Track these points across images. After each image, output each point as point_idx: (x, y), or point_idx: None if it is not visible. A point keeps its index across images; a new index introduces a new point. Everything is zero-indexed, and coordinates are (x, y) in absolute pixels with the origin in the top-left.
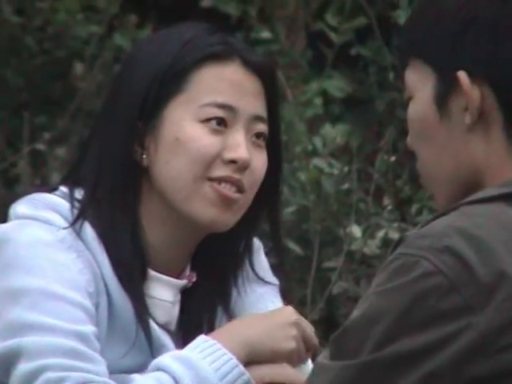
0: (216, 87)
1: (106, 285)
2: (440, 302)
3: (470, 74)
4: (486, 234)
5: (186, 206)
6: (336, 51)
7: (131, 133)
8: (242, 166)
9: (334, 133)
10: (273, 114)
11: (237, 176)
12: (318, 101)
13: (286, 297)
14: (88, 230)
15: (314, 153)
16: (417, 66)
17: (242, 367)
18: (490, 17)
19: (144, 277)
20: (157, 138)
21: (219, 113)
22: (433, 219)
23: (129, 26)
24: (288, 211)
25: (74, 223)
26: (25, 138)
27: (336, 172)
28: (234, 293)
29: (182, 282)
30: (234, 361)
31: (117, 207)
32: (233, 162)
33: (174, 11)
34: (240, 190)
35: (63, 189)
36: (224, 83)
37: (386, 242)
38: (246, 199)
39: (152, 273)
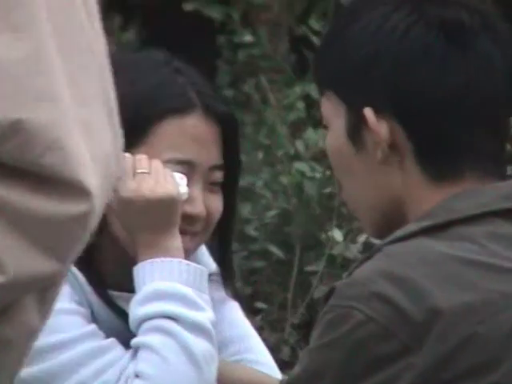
0: (177, 142)
1: (85, 297)
2: (378, 349)
3: (377, 109)
4: (411, 272)
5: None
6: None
7: None
8: (197, 219)
9: (317, 137)
10: (229, 155)
11: (192, 228)
12: (301, 104)
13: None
14: None
15: (297, 157)
16: (329, 97)
17: (184, 261)
18: (390, 52)
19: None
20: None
21: (179, 169)
22: (358, 265)
23: (113, 28)
24: (270, 215)
25: None
26: None
27: (318, 176)
28: None
29: (132, 295)
30: (174, 260)
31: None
32: (189, 216)
33: (158, 13)
34: (195, 234)
35: None
36: (184, 138)
37: (368, 246)
38: (201, 240)
39: (113, 293)
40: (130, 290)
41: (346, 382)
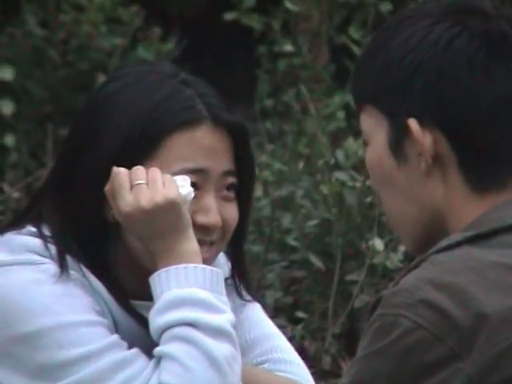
0: (187, 153)
1: (107, 306)
2: (426, 355)
3: (421, 120)
4: (457, 279)
5: (154, 267)
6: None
7: (100, 195)
8: (213, 229)
9: (357, 146)
10: (241, 163)
11: (208, 238)
12: (341, 114)
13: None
14: (71, 261)
15: (337, 166)
16: (370, 112)
17: (202, 265)
18: (433, 62)
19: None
20: None
21: (191, 178)
22: (405, 274)
23: (152, 38)
24: (310, 224)
25: (59, 258)
26: (48, 150)
27: (358, 185)
28: None
29: (152, 304)
30: (189, 266)
31: (86, 245)
32: (204, 226)
33: (197, 24)
34: (212, 243)
35: (30, 227)
36: (194, 148)
37: (409, 256)
38: (219, 248)
39: (133, 302)
40: (149, 298)
41: None
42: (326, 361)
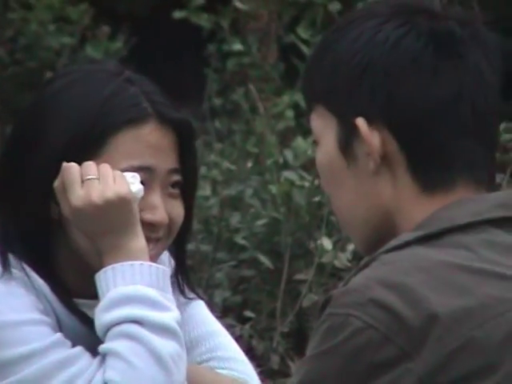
0: (133, 151)
1: (50, 305)
2: (376, 355)
3: (369, 119)
4: (407, 279)
5: (100, 265)
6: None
7: (47, 193)
8: (159, 227)
9: (306, 145)
10: (186, 161)
11: (154, 235)
12: (290, 113)
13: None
14: (14, 261)
15: (285, 165)
16: (320, 112)
17: (146, 262)
18: (381, 62)
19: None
20: None
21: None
22: (354, 274)
23: (101, 37)
24: (259, 223)
25: (1, 257)
26: None
27: (307, 185)
28: None
29: (96, 302)
30: (135, 263)
31: (29, 245)
32: (151, 223)
33: (146, 23)
34: (158, 240)
35: None
36: (140, 146)
37: (357, 255)
38: (164, 246)
39: (77, 301)
40: (94, 297)
41: None
42: (275, 360)
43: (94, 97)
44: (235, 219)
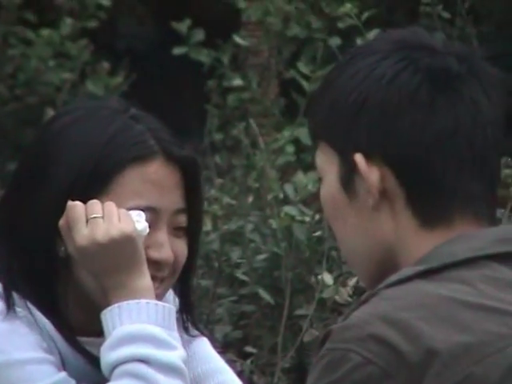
0: (139, 190)
1: (54, 343)
2: None
3: (368, 155)
4: (407, 314)
5: (106, 303)
6: (308, 99)
7: (53, 231)
8: (165, 265)
9: (306, 180)
10: (191, 199)
11: (160, 274)
12: (290, 148)
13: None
14: (18, 299)
15: (286, 200)
16: (323, 148)
17: (152, 301)
18: (377, 98)
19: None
20: None
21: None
22: (355, 308)
23: (101, 72)
24: (259, 258)
25: (5, 296)
26: None
27: (307, 219)
28: None
29: (102, 340)
30: (141, 301)
31: (34, 283)
32: (156, 262)
33: (146, 58)
34: (163, 279)
35: None
36: (147, 185)
37: (358, 290)
38: (169, 284)
39: (81, 339)
40: (98, 334)
41: None
42: None
43: (98, 134)
44: (236, 254)
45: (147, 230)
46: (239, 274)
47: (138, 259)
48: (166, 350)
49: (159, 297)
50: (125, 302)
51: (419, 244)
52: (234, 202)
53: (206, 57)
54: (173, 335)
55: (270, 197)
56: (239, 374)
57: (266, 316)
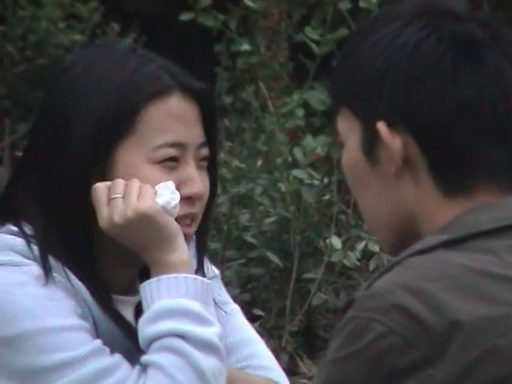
0: (164, 126)
1: (89, 309)
2: (398, 360)
3: (390, 123)
4: (431, 285)
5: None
6: (318, 63)
7: (85, 177)
8: (197, 199)
9: (315, 144)
10: (210, 134)
11: (193, 210)
12: (300, 112)
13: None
14: (54, 263)
15: (295, 164)
16: (345, 114)
17: (191, 275)
18: (401, 66)
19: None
20: (111, 180)
21: (172, 152)
22: (378, 276)
23: (111, 34)
24: (268, 222)
25: (42, 260)
26: (6, 145)
27: (316, 183)
28: None
29: (137, 298)
30: (180, 276)
31: (70, 245)
32: (189, 197)
33: (156, 21)
34: (195, 216)
35: (10, 226)
36: (171, 120)
37: (366, 254)
38: (197, 223)
39: (118, 298)
40: (132, 291)
41: None
42: (284, 359)
43: (115, 76)
44: (244, 217)
45: (174, 202)
46: (248, 237)
47: (167, 233)
48: (204, 325)
49: (190, 236)
50: (164, 276)
51: (441, 213)
52: (242, 165)
53: (214, 21)
54: (209, 310)
55: (278, 160)
56: None
57: (275, 279)
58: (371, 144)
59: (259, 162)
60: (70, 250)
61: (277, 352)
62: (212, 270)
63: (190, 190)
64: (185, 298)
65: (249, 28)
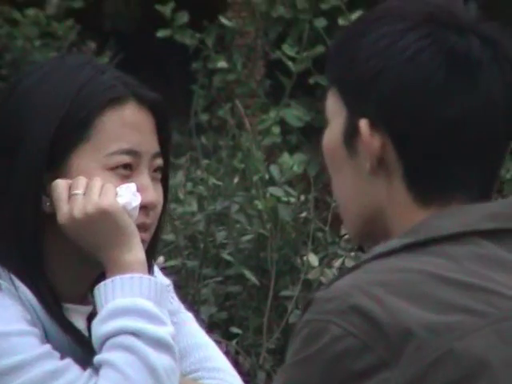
0: (120, 133)
1: (37, 316)
2: (355, 363)
3: (373, 123)
4: (388, 290)
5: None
6: (294, 80)
7: (38, 184)
8: (151, 209)
9: (292, 161)
10: (164, 145)
11: (148, 221)
12: (276, 129)
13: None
14: (2, 273)
15: (271, 181)
16: (334, 95)
17: (146, 276)
18: (394, 71)
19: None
20: None
21: (126, 159)
22: (338, 278)
23: (87, 52)
24: (245, 239)
25: None
26: None
27: (293, 201)
28: None
29: (89, 308)
30: (135, 276)
31: (19, 254)
32: (143, 206)
33: (133, 39)
34: (149, 225)
35: None
36: (126, 128)
37: (343, 271)
38: (152, 230)
39: (68, 306)
40: (83, 301)
41: None
42: (261, 376)
43: (69, 84)
44: (221, 235)
45: (134, 204)
46: (225, 255)
47: (126, 232)
48: (157, 324)
49: (145, 243)
50: (118, 277)
51: (411, 216)
52: (219, 182)
53: (191, 39)
54: (163, 311)
55: (255, 178)
56: (224, 355)
57: (252, 297)
58: (351, 135)
59: (236, 180)
60: (19, 259)
61: (254, 370)
62: (163, 279)
63: (143, 198)
64: (139, 298)
65: (225, 46)
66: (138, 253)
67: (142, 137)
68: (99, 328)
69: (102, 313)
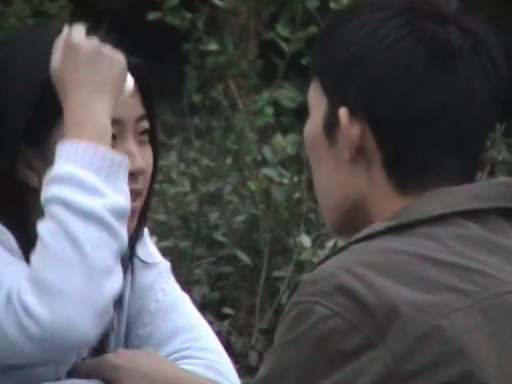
0: None
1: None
2: (342, 343)
3: (353, 111)
4: (374, 270)
5: None
6: (287, 61)
7: (13, 157)
8: (139, 175)
9: (285, 142)
10: (148, 107)
11: (137, 186)
12: (269, 110)
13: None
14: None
15: (264, 162)
16: (316, 85)
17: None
18: (374, 59)
19: None
20: (47, 162)
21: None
22: (324, 260)
23: None
24: (238, 220)
25: None
26: None
27: (286, 182)
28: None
29: None
30: (81, 144)
31: (7, 227)
32: (131, 173)
33: (125, 19)
34: (139, 192)
35: None
36: None
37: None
38: (144, 197)
39: None
40: None
41: (312, 378)
42: (253, 357)
43: (45, 55)
44: (214, 216)
45: (131, 86)
46: (217, 236)
47: (112, 82)
48: (90, 195)
49: (137, 211)
50: (66, 142)
51: (391, 204)
52: (212, 163)
53: (182, 21)
54: (115, 185)
55: (248, 159)
56: (216, 335)
57: (244, 277)
58: (331, 125)
59: (229, 161)
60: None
61: (246, 350)
62: (162, 260)
63: (131, 166)
64: (79, 167)
65: (218, 27)
66: (102, 117)
67: (122, 103)
68: (42, 193)
69: (46, 177)
